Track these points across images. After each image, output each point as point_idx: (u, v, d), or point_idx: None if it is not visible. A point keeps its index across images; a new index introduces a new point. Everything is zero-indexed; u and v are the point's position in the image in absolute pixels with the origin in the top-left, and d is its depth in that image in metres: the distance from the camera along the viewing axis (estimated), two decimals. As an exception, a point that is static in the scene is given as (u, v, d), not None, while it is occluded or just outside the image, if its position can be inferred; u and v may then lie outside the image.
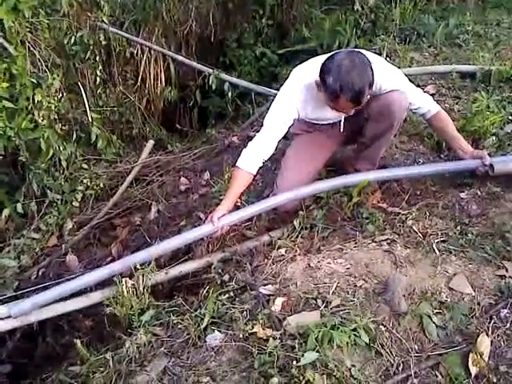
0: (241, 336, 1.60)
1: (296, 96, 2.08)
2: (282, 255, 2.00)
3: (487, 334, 1.49)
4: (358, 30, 5.07)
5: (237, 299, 1.81)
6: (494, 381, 1.40)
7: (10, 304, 1.99)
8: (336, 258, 1.89)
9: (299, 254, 1.98)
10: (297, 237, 2.12)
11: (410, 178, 2.30)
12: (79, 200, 3.30)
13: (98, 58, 4.14)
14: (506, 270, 1.69)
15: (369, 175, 2.20)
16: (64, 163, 3.32)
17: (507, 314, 1.55)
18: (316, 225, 2.12)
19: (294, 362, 1.44)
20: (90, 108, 3.81)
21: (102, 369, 1.70)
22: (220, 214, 2.10)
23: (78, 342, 1.78)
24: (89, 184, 3.32)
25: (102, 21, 4.37)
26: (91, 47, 3.95)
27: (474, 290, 1.64)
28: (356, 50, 1.93)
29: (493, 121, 2.45)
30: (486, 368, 1.43)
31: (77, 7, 4.06)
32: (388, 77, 2.05)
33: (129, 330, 1.83)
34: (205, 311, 1.74)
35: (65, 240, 3.17)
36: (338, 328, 1.51)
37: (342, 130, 2.21)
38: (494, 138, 2.41)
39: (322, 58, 2.03)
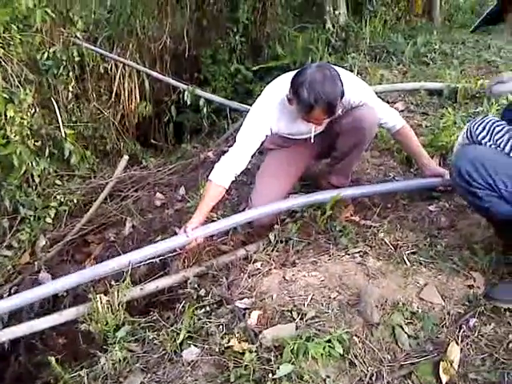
0: (217, 350, 1.61)
1: (268, 112, 2.13)
2: (258, 269, 2.02)
3: (457, 343, 1.54)
4: (330, 48, 5.20)
5: (213, 313, 1.81)
6: (464, 388, 1.44)
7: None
8: (311, 270, 1.92)
9: (275, 268, 2.00)
10: (272, 250, 2.15)
11: (378, 194, 2.37)
12: (52, 216, 3.26)
13: (71, 74, 4.15)
14: (474, 280, 1.75)
15: (339, 192, 2.24)
16: (37, 179, 3.30)
17: (475, 323, 1.60)
18: (291, 238, 2.15)
19: (270, 375, 1.46)
20: (63, 123, 3.81)
21: (76, 387, 1.68)
22: (193, 225, 2.12)
23: (53, 359, 1.75)
24: (62, 200, 3.30)
25: (76, 36, 4.38)
26: (64, 63, 3.94)
27: (444, 300, 1.69)
28: (324, 63, 2.00)
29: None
30: (455, 376, 1.47)
31: (50, 22, 4.05)
32: (356, 90, 2.12)
33: (104, 347, 1.81)
34: (181, 326, 1.74)
35: (38, 257, 3.12)
36: (313, 340, 1.54)
37: (312, 141, 2.26)
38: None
39: (289, 75, 2.10)
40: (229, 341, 1.60)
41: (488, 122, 1.63)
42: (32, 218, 3.26)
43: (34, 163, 3.25)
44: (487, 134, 1.61)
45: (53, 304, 2.82)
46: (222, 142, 4.18)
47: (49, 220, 3.25)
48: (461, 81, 3.26)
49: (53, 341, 2.72)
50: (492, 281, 1.74)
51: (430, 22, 5.94)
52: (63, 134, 3.74)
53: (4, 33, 3.19)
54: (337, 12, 5.29)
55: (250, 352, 1.55)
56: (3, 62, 3.22)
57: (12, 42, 3.31)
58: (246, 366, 1.50)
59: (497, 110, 2.74)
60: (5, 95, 3.08)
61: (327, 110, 1.94)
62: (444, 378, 1.45)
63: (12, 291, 2.96)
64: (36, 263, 3.05)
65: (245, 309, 1.78)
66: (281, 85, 2.11)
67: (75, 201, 3.33)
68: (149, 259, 2.13)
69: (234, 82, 5.87)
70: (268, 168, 2.40)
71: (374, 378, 1.48)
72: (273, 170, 2.37)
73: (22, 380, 2.67)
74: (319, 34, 5.37)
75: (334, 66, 2.03)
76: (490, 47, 4.26)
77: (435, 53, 4.26)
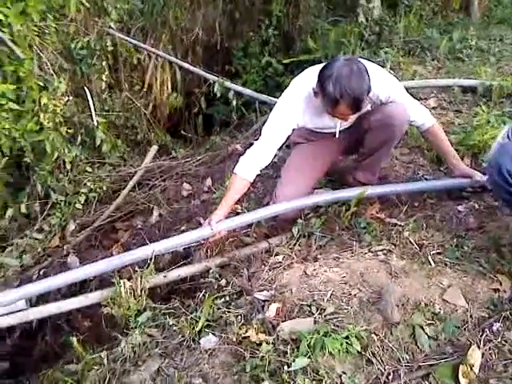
0: (234, 339, 1.62)
1: (295, 106, 2.12)
2: (279, 262, 2.02)
3: (478, 347, 1.50)
4: (363, 42, 5.12)
5: (232, 304, 1.83)
6: (484, 393, 1.42)
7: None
8: (332, 266, 1.91)
9: (296, 262, 2.00)
10: (294, 244, 2.15)
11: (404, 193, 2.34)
12: (82, 202, 3.34)
13: (104, 63, 4.19)
14: (500, 284, 1.70)
15: (365, 190, 2.22)
16: (68, 165, 3.37)
17: (499, 328, 1.56)
18: (314, 233, 2.14)
19: (286, 367, 1.46)
20: (95, 112, 3.86)
21: (96, 367, 1.72)
22: (217, 218, 2.12)
23: (75, 339, 1.80)
24: (92, 187, 3.36)
25: (110, 26, 4.44)
26: (98, 52, 3.99)
27: (468, 303, 1.66)
28: (353, 57, 1.97)
29: (492, 135, 2.47)
30: (475, 380, 1.44)
31: (84, 12, 4.12)
32: (386, 86, 2.09)
33: (125, 331, 1.85)
34: (200, 314, 1.76)
35: (67, 241, 3.20)
36: (331, 335, 1.53)
37: (337, 136, 2.24)
38: (492, 152, 2.43)
39: (316, 69, 2.08)
40: (246, 331, 1.61)
41: None
42: (63, 204, 3.35)
43: (66, 150, 3.32)
44: None
45: (80, 287, 2.89)
46: (250, 134, 4.18)
47: (79, 206, 3.33)
48: (496, 78, 3.17)
49: (78, 323, 2.79)
50: (519, 285, 1.69)
51: (467, 17, 5.79)
52: (95, 123, 3.81)
53: (40, 22, 3.26)
54: (371, 5, 5.20)
55: (267, 343, 1.56)
56: (39, 51, 3.30)
57: (47, 31, 3.38)
58: (263, 357, 1.51)
59: (533, 109, 2.66)
60: (39, 83, 3.16)
61: (352, 105, 1.91)
62: (463, 381, 1.43)
63: (41, 273, 3.05)
64: (65, 247, 3.13)
65: (264, 301, 1.78)
66: (307, 78, 2.09)
67: (104, 188, 3.39)
68: (173, 249, 2.15)
69: (265, 75, 5.84)
70: (294, 162, 2.39)
71: (390, 378, 1.46)
72: (298, 164, 2.36)
73: (48, 359, 2.75)
74: (352, 27, 5.29)
75: (364, 61, 1.99)
76: (529, 44, 4.13)
77: (471, 49, 4.15)
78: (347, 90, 1.85)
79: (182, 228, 2.82)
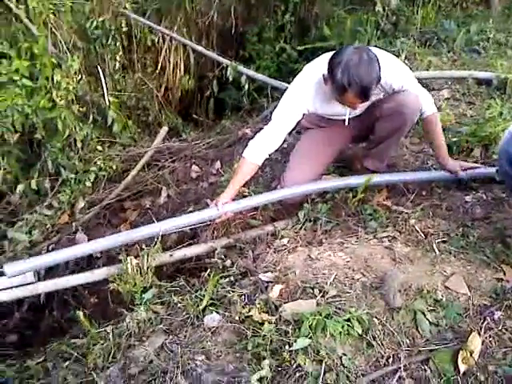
0: (237, 318, 1.64)
1: (306, 91, 2.11)
2: (284, 245, 2.04)
3: (479, 334, 1.51)
4: (379, 31, 5.07)
5: (236, 284, 1.85)
6: (482, 379, 1.43)
7: (6, 265, 1.99)
8: (337, 251, 1.92)
9: (301, 245, 2.01)
10: (300, 228, 2.16)
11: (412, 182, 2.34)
12: (92, 180, 3.36)
13: (118, 44, 4.21)
14: (504, 274, 1.71)
15: (371, 177, 2.22)
16: (79, 144, 3.39)
17: (501, 316, 1.57)
18: (320, 218, 2.15)
19: (287, 347, 1.49)
20: (108, 92, 3.88)
21: (102, 341, 1.76)
22: (224, 200, 2.14)
23: (81, 314, 1.83)
24: (102, 165, 3.39)
25: (125, 7, 4.44)
26: (112, 32, 4.00)
27: (470, 291, 1.66)
28: (364, 46, 1.96)
29: (504, 127, 2.45)
30: (474, 366, 1.45)
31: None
32: (398, 75, 2.07)
33: (131, 307, 1.88)
34: (205, 293, 1.78)
35: (76, 218, 3.23)
36: (332, 317, 1.55)
37: (347, 123, 2.23)
38: (503, 144, 2.41)
39: (328, 56, 2.07)
40: (249, 310, 1.63)
41: None
42: (72, 181, 3.38)
43: (77, 128, 3.35)
44: None
45: (87, 263, 2.93)
46: (261, 119, 4.17)
47: (88, 184, 3.35)
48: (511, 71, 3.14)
49: (84, 299, 2.84)
50: (523, 276, 1.69)
51: (487, 9, 5.70)
52: (107, 102, 3.83)
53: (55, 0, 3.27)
54: (388, -6, 5.13)
55: (269, 323, 1.58)
56: (54, 29, 3.31)
57: (63, 9, 3.39)
58: (264, 336, 1.53)
59: (547, 103, 2.64)
60: (53, 60, 3.17)
61: (360, 94, 1.89)
62: (462, 367, 1.44)
63: (50, 249, 3.09)
64: (74, 224, 3.16)
65: (268, 282, 1.80)
66: (320, 64, 2.08)
67: (114, 167, 3.41)
68: (180, 228, 2.17)
69: (279, 61, 5.81)
70: (303, 147, 2.39)
71: (390, 361, 1.48)
72: (307, 149, 2.36)
73: (55, 333, 2.80)
74: (369, 16, 5.24)
75: (378, 50, 1.98)
76: (548, 38, 4.06)
77: (488, 42, 4.08)
78: (355, 78, 1.83)
79: (190, 209, 2.84)
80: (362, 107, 2.12)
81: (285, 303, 1.67)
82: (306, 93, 2.11)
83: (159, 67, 5.29)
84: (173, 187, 3.27)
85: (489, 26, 4.44)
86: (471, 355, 1.46)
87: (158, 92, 5.01)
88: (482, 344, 1.50)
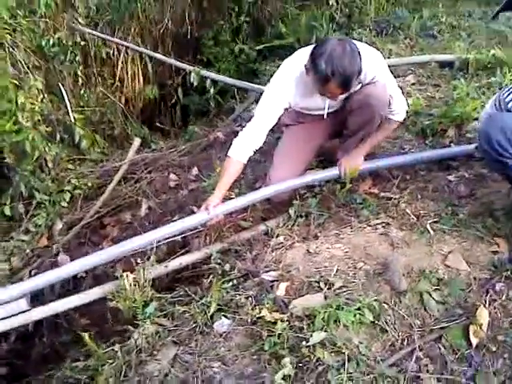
0: (248, 320, 1.64)
1: (286, 85, 2.13)
2: (281, 243, 2.04)
3: (485, 307, 1.56)
4: (334, 25, 5.16)
5: (240, 287, 1.84)
6: (494, 349, 1.47)
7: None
8: (334, 242, 1.95)
9: (297, 241, 2.03)
10: (293, 225, 2.17)
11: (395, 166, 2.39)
12: (68, 200, 3.28)
13: (77, 59, 4.12)
14: (498, 246, 1.77)
15: (357, 167, 2.26)
16: (50, 164, 3.31)
17: (502, 287, 1.63)
18: (311, 212, 2.17)
19: (304, 342, 1.49)
20: (72, 109, 3.80)
21: (110, 361, 1.71)
22: (214, 203, 2.13)
23: (86, 335, 1.78)
24: (77, 184, 3.31)
25: (77, 21, 4.35)
26: (71, 48, 3.91)
27: (469, 266, 1.72)
28: (346, 37, 1.98)
29: (473, 107, 2.54)
30: (485, 338, 1.50)
31: (54, 8, 4.02)
32: (373, 65, 2.09)
33: (134, 323, 1.84)
34: (210, 299, 1.77)
35: (55, 240, 3.15)
36: (343, 308, 1.57)
37: (325, 116, 2.25)
38: (476, 122, 2.50)
39: (307, 49, 2.09)
40: (260, 311, 1.63)
41: None
42: (47, 203, 3.29)
43: (46, 149, 3.26)
44: None
45: (73, 286, 2.86)
46: (231, 121, 4.18)
47: (64, 204, 3.27)
48: (471, 52, 3.25)
49: (75, 321, 2.77)
50: (516, 246, 1.76)
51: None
52: (72, 119, 3.75)
53: (10, 19, 3.17)
54: (340, -13, 5.22)
55: (282, 321, 1.59)
56: (11, 49, 3.21)
57: (18, 28, 3.29)
58: (280, 334, 1.54)
59: (510, 79, 2.74)
60: (15, 81, 3.08)
61: (342, 84, 1.92)
62: (474, 340, 1.49)
63: (32, 274, 3.00)
64: (54, 246, 3.08)
65: (272, 281, 1.81)
66: (299, 59, 2.10)
67: (89, 184, 3.34)
68: (172, 236, 2.15)
69: (238, 63, 5.83)
70: (285, 146, 2.41)
71: (405, 343, 1.51)
72: (290, 147, 2.38)
73: (48, 359, 2.72)
74: (322, 10, 5.32)
75: (358, 42, 2.01)
76: (497, 18, 4.21)
77: (442, 25, 4.23)
78: (339, 68, 1.86)
79: (174, 219, 2.81)
80: (340, 99, 2.14)
81: (293, 300, 1.67)
82: (286, 87, 2.13)
83: (117, 79, 5.22)
84: (152, 198, 3.22)
85: (439, 10, 4.59)
86: (481, 328, 1.51)
87: (121, 104, 4.93)
88: (489, 316, 1.54)
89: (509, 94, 1.65)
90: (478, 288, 1.65)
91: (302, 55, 2.08)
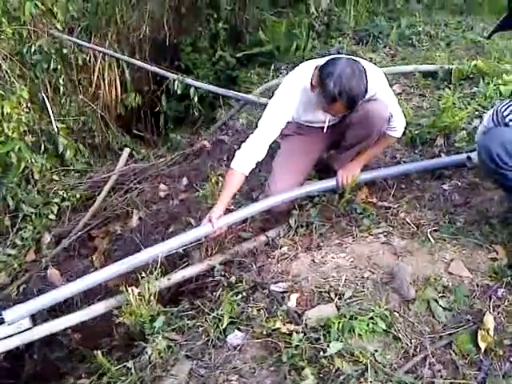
0: (264, 333, 1.66)
1: (291, 100, 2.17)
2: (285, 253, 2.07)
3: (489, 312, 1.63)
4: (313, 33, 5.24)
5: (250, 299, 1.86)
6: (501, 353, 1.53)
7: (4, 311, 1.90)
8: (338, 252, 1.99)
9: (301, 252, 2.06)
10: (293, 235, 2.21)
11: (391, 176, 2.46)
12: (55, 212, 3.24)
13: (59, 67, 4.05)
14: (497, 253, 1.85)
15: (357, 177, 2.32)
16: (37, 175, 3.25)
17: (503, 293, 1.70)
18: (312, 222, 2.21)
19: (321, 353, 1.52)
20: (55, 118, 3.74)
21: (123, 378, 1.71)
22: (217, 214, 2.14)
23: (99, 353, 1.77)
24: (65, 195, 3.26)
25: (55, 27, 4.28)
26: (53, 56, 3.85)
27: (471, 273, 1.79)
28: (354, 58, 2.03)
29: (461, 117, 2.64)
30: (492, 343, 1.56)
31: (34, 14, 3.94)
32: (374, 82, 2.14)
33: (143, 338, 1.83)
34: (222, 312, 1.78)
35: (43, 254, 3.10)
36: (356, 318, 1.61)
37: (325, 130, 2.31)
38: (464, 132, 2.60)
39: (312, 63, 2.14)
40: (274, 323, 1.65)
41: None
42: (33, 216, 3.23)
43: (33, 160, 3.20)
44: None
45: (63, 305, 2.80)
46: (216, 130, 4.19)
47: (52, 216, 3.23)
48: (453, 62, 3.36)
49: (67, 337, 2.72)
50: (513, 252, 1.84)
51: (406, 2, 6.00)
52: (55, 129, 3.69)
53: (-5, 27, 3.11)
54: (319, -4, 5.31)
55: (297, 333, 1.61)
56: (-3, 58, 3.15)
57: (2, 36, 3.23)
58: (297, 345, 1.56)
59: (493, 89, 2.86)
60: (1, 92, 3.02)
61: (348, 104, 1.99)
62: (482, 345, 1.55)
63: (20, 289, 2.95)
64: (43, 260, 3.03)
65: (282, 292, 1.83)
66: (303, 72, 2.14)
67: (78, 196, 3.30)
68: (175, 249, 2.15)
69: (216, 69, 5.84)
70: (284, 156, 2.44)
71: (418, 350, 1.56)
72: (289, 158, 2.41)
73: (42, 377, 2.67)
74: (301, 18, 5.39)
75: (362, 61, 2.06)
76: (472, 28, 4.38)
77: (420, 35, 4.35)
78: (347, 90, 1.91)
79: (170, 229, 2.82)
80: (340, 115, 2.20)
81: (305, 311, 1.70)
82: (291, 100, 2.17)
83: (94, 86, 5.16)
84: (142, 209, 3.21)
85: (416, 20, 4.72)
86: (488, 333, 1.57)
87: (101, 112, 4.87)
88: (494, 321, 1.61)
89: (506, 109, 1.73)
90: (481, 294, 1.71)
91: (307, 69, 2.12)
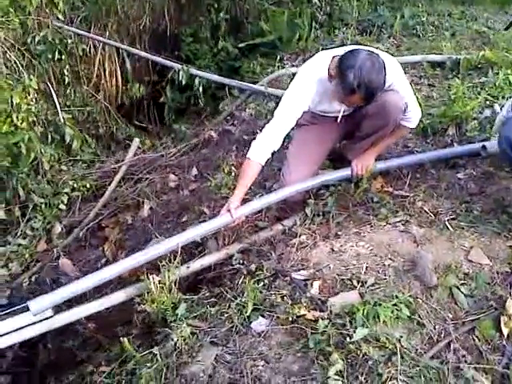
0: (290, 319, 1.68)
1: (307, 89, 2.18)
2: (303, 242, 2.09)
3: (511, 298, 1.66)
4: (315, 23, 5.23)
5: (272, 286, 1.88)
6: (523, 339, 1.58)
7: (29, 302, 1.91)
8: (357, 241, 2.01)
9: (319, 240, 2.08)
10: (310, 224, 2.23)
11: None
12: (66, 202, 3.24)
13: (63, 57, 4.03)
14: (515, 241, 1.88)
15: (374, 165, 2.36)
16: (46, 166, 3.25)
17: (523, 280, 1.74)
18: (329, 211, 2.23)
19: (348, 339, 1.55)
20: (61, 108, 3.73)
21: (149, 364, 1.73)
22: (235, 205, 2.15)
23: (126, 340, 1.79)
24: (75, 185, 3.26)
25: (57, 18, 4.25)
26: (58, 46, 3.83)
27: (491, 261, 1.81)
28: (375, 51, 2.04)
29: (472, 106, 2.66)
30: (514, 328, 1.60)
31: (39, 4, 3.92)
32: (390, 73, 2.15)
33: (170, 324, 1.85)
34: (245, 299, 1.80)
35: (54, 244, 3.11)
36: (381, 304, 1.64)
37: (339, 120, 2.32)
38: (475, 121, 2.63)
39: (329, 53, 2.15)
40: (299, 310, 1.68)
41: None
42: (43, 206, 3.23)
43: (42, 150, 3.19)
44: None
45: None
46: (222, 120, 4.19)
47: (62, 206, 3.23)
48: (460, 52, 3.38)
49: (82, 326, 2.74)
50: (531, 240, 1.87)
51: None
52: (62, 119, 3.68)
53: (3, 17, 3.08)
54: (321, -15, 5.29)
55: (322, 319, 1.64)
56: (4, 47, 3.13)
57: (10, 26, 3.21)
58: (324, 331, 1.59)
59: (503, 79, 2.88)
60: (10, 81, 3.01)
61: (366, 97, 2.00)
62: (505, 330, 1.58)
63: (33, 279, 2.95)
64: (54, 250, 3.04)
65: (304, 280, 1.85)
66: (319, 63, 2.15)
67: (88, 186, 3.30)
68: (196, 239, 2.18)
69: (218, 60, 5.82)
70: (298, 146, 2.45)
71: (442, 336, 1.59)
72: (304, 148, 2.42)
73: (54, 366, 2.69)
74: (303, 8, 5.37)
75: (380, 52, 2.07)
76: (476, 19, 4.40)
77: (424, 25, 4.36)
78: (366, 82, 1.93)
79: (184, 219, 2.83)
80: (357, 106, 2.21)
81: (329, 298, 1.73)
82: (307, 90, 2.17)
83: (95, 77, 5.13)
84: (153, 199, 3.22)
85: (420, 9, 4.73)
86: (510, 319, 1.61)
87: (106, 103, 4.86)
88: (515, 307, 1.65)
89: (525, 100, 1.75)
90: (502, 281, 1.74)
91: (323, 59, 2.13)
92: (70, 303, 2.54)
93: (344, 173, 2.38)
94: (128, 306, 2.21)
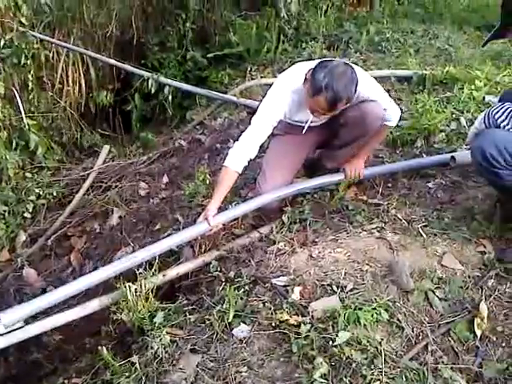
0: (272, 324, 1.69)
1: (283, 99, 2.21)
2: (281, 249, 2.11)
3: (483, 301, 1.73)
4: (283, 36, 5.31)
5: (252, 292, 1.88)
6: (494, 339, 1.64)
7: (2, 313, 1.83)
8: (334, 247, 2.04)
9: (297, 247, 2.10)
10: (287, 231, 2.24)
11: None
12: (30, 210, 3.14)
13: (28, 62, 3.93)
14: (484, 247, 1.95)
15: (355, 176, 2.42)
16: (11, 172, 3.14)
17: (493, 284, 1.81)
18: (305, 219, 2.26)
19: (331, 342, 1.57)
20: (26, 114, 3.63)
21: (127, 373, 1.69)
22: (213, 212, 2.15)
23: (104, 349, 1.74)
24: (41, 193, 3.17)
25: (20, 22, 4.15)
26: (24, 51, 3.73)
27: (463, 266, 1.88)
28: (351, 64, 2.10)
29: (439, 119, 2.77)
30: (487, 330, 1.66)
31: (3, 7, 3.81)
32: (367, 85, 2.20)
33: (147, 333, 1.82)
34: (226, 306, 1.79)
35: (18, 253, 3.01)
36: (361, 309, 1.67)
37: (304, 131, 2.35)
38: (442, 134, 2.73)
39: (305, 64, 2.20)
40: (282, 315, 1.69)
41: (507, 109, 1.81)
42: (7, 214, 3.12)
43: (7, 156, 3.09)
44: (506, 118, 1.80)
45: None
46: (191, 129, 4.18)
47: (27, 215, 3.13)
48: (425, 68, 3.52)
49: (47, 337, 2.65)
50: (500, 246, 1.95)
51: (368, 11, 6.17)
52: (27, 125, 3.58)
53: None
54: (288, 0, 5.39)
55: (305, 324, 1.65)
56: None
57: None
58: (306, 336, 1.60)
59: (467, 94, 3.01)
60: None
61: (329, 101, 2.01)
62: (478, 332, 1.65)
63: (-5, 289, 2.85)
64: (18, 260, 2.94)
65: (284, 286, 1.87)
66: (295, 72, 2.19)
67: (54, 194, 3.21)
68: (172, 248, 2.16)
69: (185, 69, 5.81)
70: (274, 154, 2.47)
71: (419, 338, 1.64)
72: (279, 157, 2.43)
73: (15, 380, 2.59)
74: (271, 21, 5.46)
75: (355, 66, 2.13)
76: (438, 36, 4.58)
77: (389, 41, 4.50)
78: (333, 85, 1.96)
79: (157, 227, 2.80)
80: (324, 119, 2.26)
81: (310, 303, 1.75)
82: (283, 99, 2.21)
83: (57, 83, 5.03)
84: (122, 207, 3.17)
85: (384, 26, 4.89)
86: (482, 321, 1.67)
87: (71, 110, 4.75)
88: (487, 310, 1.71)
89: (497, 112, 1.83)
90: (474, 285, 1.81)
91: (300, 70, 2.17)
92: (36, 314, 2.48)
93: (336, 178, 2.41)
94: (96, 316, 2.17)
